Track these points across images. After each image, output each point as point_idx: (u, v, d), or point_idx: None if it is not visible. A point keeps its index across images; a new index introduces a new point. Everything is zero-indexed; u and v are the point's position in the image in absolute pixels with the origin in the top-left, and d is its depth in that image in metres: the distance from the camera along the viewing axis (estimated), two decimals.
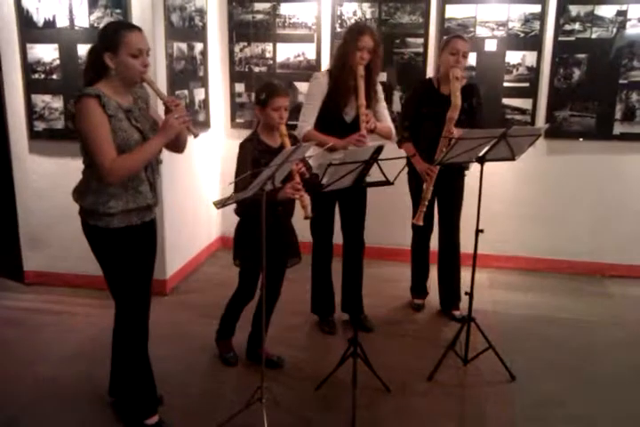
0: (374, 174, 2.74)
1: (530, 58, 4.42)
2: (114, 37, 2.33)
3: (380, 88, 3.50)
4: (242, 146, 2.95)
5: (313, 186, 2.80)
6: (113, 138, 2.35)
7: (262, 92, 2.91)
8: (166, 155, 2.67)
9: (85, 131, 2.34)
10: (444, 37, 3.78)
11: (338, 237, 3.64)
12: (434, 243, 3.94)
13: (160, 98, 2.45)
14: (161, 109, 2.55)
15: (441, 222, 3.85)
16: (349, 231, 3.58)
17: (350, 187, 2.75)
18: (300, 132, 3.33)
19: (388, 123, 3.50)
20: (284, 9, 4.63)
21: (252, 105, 3.06)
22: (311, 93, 3.39)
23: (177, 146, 2.64)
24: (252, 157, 2.88)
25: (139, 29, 2.40)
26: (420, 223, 3.66)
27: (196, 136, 2.48)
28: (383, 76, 4.53)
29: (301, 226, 3.16)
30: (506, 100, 4.50)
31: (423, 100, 3.63)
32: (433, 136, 3.49)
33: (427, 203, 3.61)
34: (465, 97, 3.54)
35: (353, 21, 4.52)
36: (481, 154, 3.01)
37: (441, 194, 3.76)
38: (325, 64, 4.67)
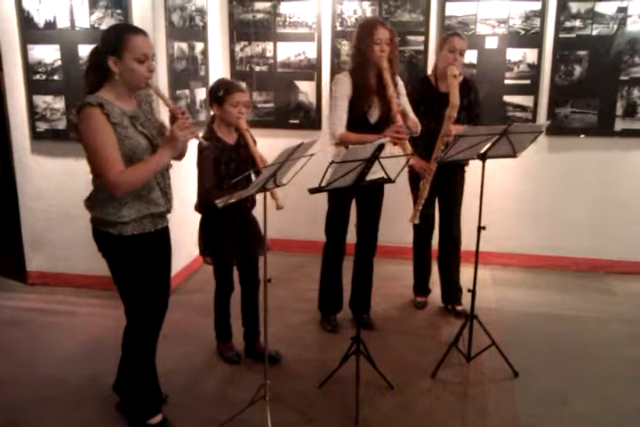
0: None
1: (531, 55, 4.42)
2: (118, 41, 2.26)
3: (400, 81, 3.44)
4: (201, 145, 2.96)
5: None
6: (120, 146, 2.29)
7: (219, 89, 2.93)
8: None
9: (89, 143, 2.28)
10: (443, 34, 3.78)
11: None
12: (435, 241, 3.95)
13: (166, 105, 2.39)
14: (166, 116, 2.49)
15: (442, 218, 3.86)
16: (364, 230, 3.56)
17: (358, 187, 2.75)
18: (335, 135, 3.29)
19: (413, 116, 3.43)
20: (285, 8, 4.64)
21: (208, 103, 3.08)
22: (337, 96, 3.32)
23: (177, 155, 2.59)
24: (214, 156, 2.91)
25: (144, 33, 2.33)
26: (416, 222, 3.66)
27: (204, 144, 2.44)
28: None
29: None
30: (507, 98, 4.50)
31: (421, 97, 3.61)
32: (431, 133, 3.48)
33: (423, 201, 3.61)
34: (463, 93, 3.54)
35: (353, 20, 4.53)
36: (482, 151, 3.01)
37: (441, 190, 3.76)
38: (326, 63, 4.68)
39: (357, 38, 3.30)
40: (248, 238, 3.10)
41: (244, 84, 3.02)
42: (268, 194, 2.60)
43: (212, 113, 3.06)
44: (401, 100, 3.39)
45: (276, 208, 2.76)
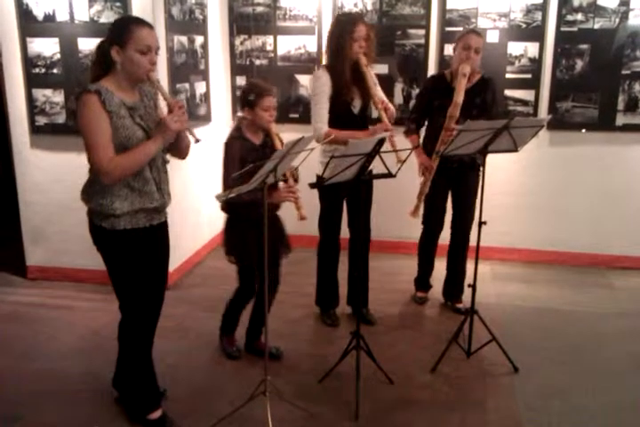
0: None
1: (532, 49, 4.40)
2: (123, 31, 2.28)
3: (372, 70, 3.44)
4: (228, 144, 2.95)
5: None
6: (114, 135, 2.30)
7: (250, 92, 2.91)
8: None
9: (83, 128, 2.30)
10: (461, 31, 3.70)
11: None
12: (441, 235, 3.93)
13: (164, 98, 2.39)
14: (165, 110, 2.48)
15: (454, 218, 3.80)
16: (357, 226, 3.56)
17: (358, 181, 2.74)
18: (319, 134, 3.27)
19: (389, 104, 3.40)
20: (285, 1, 4.61)
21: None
22: (318, 93, 3.32)
23: (179, 152, 2.59)
24: (240, 155, 2.89)
25: (150, 26, 2.33)
26: (415, 217, 3.66)
27: (197, 141, 2.41)
28: (385, 68, 4.52)
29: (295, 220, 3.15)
30: (508, 92, 4.48)
31: (434, 93, 3.60)
32: (441, 129, 3.46)
33: (423, 197, 3.61)
34: (478, 92, 3.50)
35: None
36: (483, 145, 3.00)
37: (455, 190, 3.74)
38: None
39: (336, 34, 3.28)
40: (273, 239, 3.04)
41: (274, 89, 2.97)
42: (292, 204, 2.58)
43: (239, 114, 3.03)
44: (375, 89, 3.37)
45: (299, 219, 2.72)
